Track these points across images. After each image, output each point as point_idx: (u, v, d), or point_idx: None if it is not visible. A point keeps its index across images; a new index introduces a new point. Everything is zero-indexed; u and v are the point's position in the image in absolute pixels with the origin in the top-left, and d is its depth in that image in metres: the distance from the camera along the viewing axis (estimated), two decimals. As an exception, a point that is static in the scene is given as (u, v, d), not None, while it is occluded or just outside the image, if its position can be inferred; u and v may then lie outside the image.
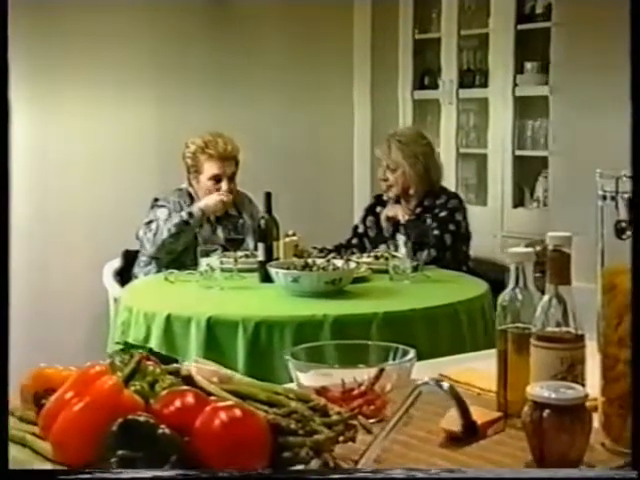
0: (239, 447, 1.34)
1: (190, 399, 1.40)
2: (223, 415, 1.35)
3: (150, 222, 4.64)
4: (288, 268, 4.01)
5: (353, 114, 6.20)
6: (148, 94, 5.50)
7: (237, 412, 1.36)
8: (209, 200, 4.63)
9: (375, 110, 6.14)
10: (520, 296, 1.69)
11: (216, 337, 3.62)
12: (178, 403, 1.39)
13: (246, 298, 4.02)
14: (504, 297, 1.71)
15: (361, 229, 4.98)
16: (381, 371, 1.72)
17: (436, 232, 4.65)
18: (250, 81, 5.74)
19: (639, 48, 1.25)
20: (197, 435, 1.35)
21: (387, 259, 4.41)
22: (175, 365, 1.58)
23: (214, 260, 4.17)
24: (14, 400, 1.50)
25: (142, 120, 5.49)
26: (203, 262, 4.17)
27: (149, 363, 1.52)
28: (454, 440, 1.59)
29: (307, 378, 1.71)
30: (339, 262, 4.16)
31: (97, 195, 5.39)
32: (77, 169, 5.35)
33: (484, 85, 5.68)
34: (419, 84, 6.08)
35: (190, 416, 1.37)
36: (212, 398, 1.46)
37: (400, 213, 4.81)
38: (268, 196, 4.32)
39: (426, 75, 6.05)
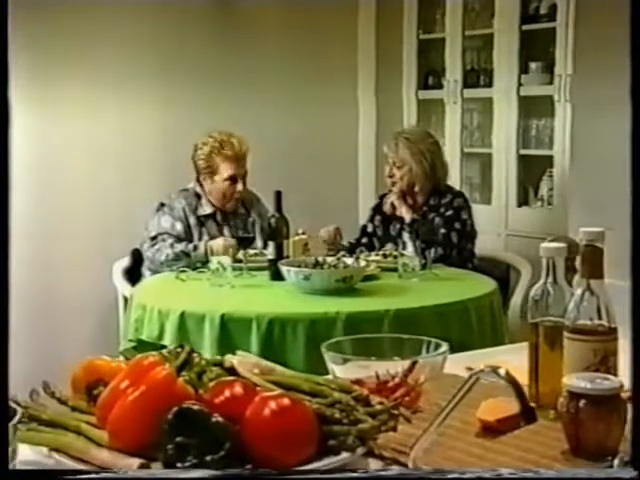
0: (289, 435, 1.38)
1: (239, 389, 1.44)
2: (273, 404, 1.40)
3: (155, 238, 4.67)
4: (299, 266, 4.06)
5: (358, 114, 6.23)
6: (151, 95, 5.52)
7: (286, 401, 1.41)
8: (216, 245, 4.54)
9: (380, 110, 6.18)
10: (551, 290, 1.73)
11: (230, 334, 3.66)
12: (228, 393, 1.43)
13: (258, 296, 4.06)
14: (536, 291, 1.75)
15: (370, 228, 5.03)
16: (414, 364, 1.76)
17: (443, 230, 4.71)
18: (255, 82, 5.77)
19: (639, 48, 1.27)
20: (247, 424, 1.39)
21: (396, 257, 4.46)
22: (218, 357, 1.62)
23: (225, 258, 4.22)
24: (65, 391, 1.55)
25: (146, 119, 5.52)
26: (214, 260, 4.22)
27: (194, 355, 1.56)
28: (489, 430, 1.64)
29: (343, 370, 1.74)
30: (349, 260, 4.21)
31: (102, 195, 5.42)
32: (81, 169, 5.37)
33: (488, 85, 5.71)
34: (423, 84, 6.11)
35: (240, 405, 1.41)
36: (257, 389, 1.50)
37: (405, 211, 4.86)
38: (278, 195, 4.37)
39: (430, 75, 6.09)
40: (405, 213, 4.85)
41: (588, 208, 4.81)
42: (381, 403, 1.50)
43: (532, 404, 1.71)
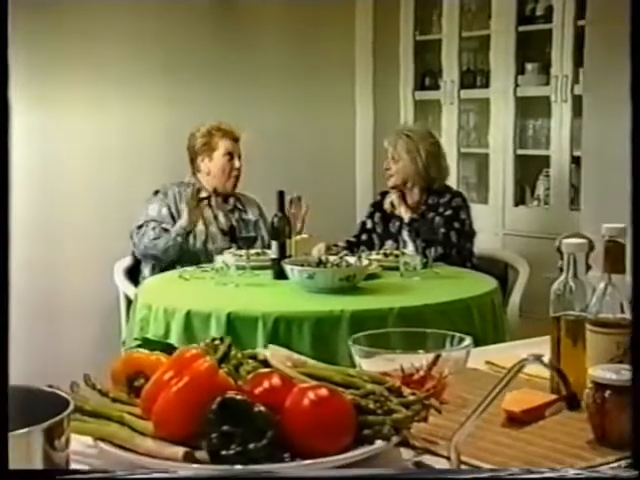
0: (328, 425, 1.43)
1: (277, 380, 1.48)
2: (312, 395, 1.44)
3: (141, 226, 4.77)
4: (302, 265, 4.09)
5: (355, 114, 6.28)
6: (153, 93, 5.55)
7: (324, 392, 1.45)
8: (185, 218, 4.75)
9: (377, 108, 6.22)
10: (573, 285, 1.78)
11: (236, 332, 3.68)
12: (266, 384, 1.47)
13: (262, 294, 4.09)
14: (558, 286, 1.79)
15: (369, 225, 5.08)
16: (438, 357, 1.80)
17: (442, 230, 4.76)
18: (253, 80, 5.81)
19: (639, 48, 1.28)
20: (287, 414, 1.43)
21: (397, 256, 4.50)
22: (251, 350, 1.66)
23: (229, 257, 4.26)
24: (105, 383, 1.58)
25: (148, 118, 5.55)
26: (218, 259, 4.26)
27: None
28: (514, 421, 1.68)
29: (369, 364, 1.79)
30: (351, 259, 4.25)
31: (104, 195, 5.45)
32: (83, 169, 5.40)
33: (485, 86, 5.77)
34: (420, 85, 6.16)
35: (278, 396, 1.45)
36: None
37: (404, 211, 4.91)
38: (281, 195, 4.42)
39: (427, 76, 6.14)
40: (404, 212, 4.90)
41: (598, 206, 4.83)
42: (413, 394, 1.55)
43: (555, 395, 1.77)
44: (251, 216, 5.04)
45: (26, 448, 1.20)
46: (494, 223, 5.69)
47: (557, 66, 5.32)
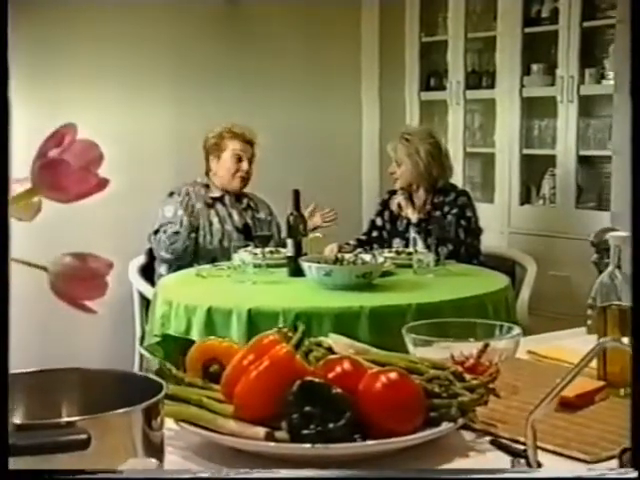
0: (401, 407, 1.50)
1: (348, 365, 1.55)
2: (383, 378, 1.51)
3: (157, 231, 4.82)
4: (319, 262, 4.16)
5: (361, 114, 6.35)
6: (164, 94, 5.61)
7: (396, 375, 1.52)
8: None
9: (383, 110, 6.29)
10: (618, 276, 1.85)
11: (257, 328, 3.73)
12: (339, 369, 1.54)
13: (281, 291, 4.16)
14: (604, 277, 1.87)
15: (379, 222, 5.15)
16: (486, 345, 1.87)
17: (449, 228, 4.84)
18: (260, 82, 5.87)
19: (639, 48, 1.31)
20: (361, 397, 1.50)
21: (409, 254, 4.57)
22: (315, 339, 1.73)
23: (247, 255, 4.33)
24: (177, 371, 1.65)
25: (160, 118, 5.61)
26: (236, 257, 4.33)
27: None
28: (566, 405, 1.75)
29: (423, 352, 1.86)
30: (367, 256, 4.32)
31: (117, 195, 5.47)
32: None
33: (491, 86, 5.84)
34: (426, 85, 6.24)
35: (351, 380, 1.52)
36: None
37: (411, 212, 4.99)
38: (296, 194, 4.49)
39: (432, 77, 6.21)
40: (411, 214, 4.98)
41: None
42: (475, 378, 1.62)
43: (602, 382, 1.84)
44: (263, 215, 5.12)
45: (128, 427, 1.26)
46: (500, 222, 5.77)
47: (563, 67, 5.39)
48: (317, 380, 1.47)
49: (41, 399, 1.38)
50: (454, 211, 4.90)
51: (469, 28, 5.93)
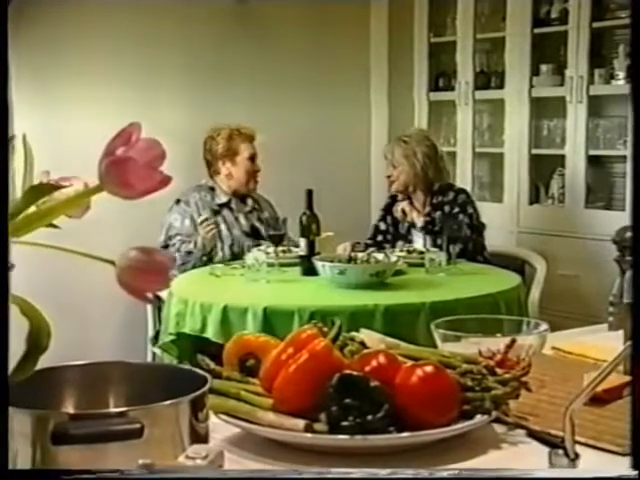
0: (437, 399, 1.53)
1: (383, 359, 1.58)
2: (420, 372, 1.54)
3: (166, 245, 4.85)
4: (332, 261, 4.20)
5: (370, 115, 6.38)
6: (172, 95, 5.63)
7: (432, 369, 1.55)
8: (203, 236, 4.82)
9: (392, 110, 6.32)
10: (644, 272, 1.87)
11: (272, 326, 3.77)
12: (374, 362, 1.57)
13: (295, 290, 4.20)
14: (633, 273, 1.89)
15: (383, 227, 5.19)
16: (514, 341, 1.90)
17: (455, 227, 4.87)
18: (269, 82, 5.90)
19: (639, 48, 1.33)
20: (398, 390, 1.53)
21: (421, 253, 4.60)
22: (347, 334, 1.76)
23: (260, 254, 4.36)
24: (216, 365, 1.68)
25: (167, 119, 5.62)
26: (250, 256, 4.36)
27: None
28: (594, 400, 1.78)
29: (452, 347, 1.88)
30: (379, 255, 4.35)
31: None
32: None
33: (500, 87, 5.86)
34: (434, 86, 6.26)
35: (388, 373, 1.55)
36: (395, 360, 1.64)
37: (416, 217, 5.02)
38: (309, 193, 4.52)
39: (441, 77, 6.24)
40: (416, 218, 5.01)
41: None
42: (507, 372, 1.65)
43: (630, 377, 1.86)
44: (267, 214, 5.16)
45: (175, 418, 1.29)
46: (509, 221, 5.79)
47: (572, 67, 5.41)
48: (356, 373, 1.49)
49: (88, 391, 1.41)
50: (456, 210, 4.94)
51: (478, 29, 5.95)
